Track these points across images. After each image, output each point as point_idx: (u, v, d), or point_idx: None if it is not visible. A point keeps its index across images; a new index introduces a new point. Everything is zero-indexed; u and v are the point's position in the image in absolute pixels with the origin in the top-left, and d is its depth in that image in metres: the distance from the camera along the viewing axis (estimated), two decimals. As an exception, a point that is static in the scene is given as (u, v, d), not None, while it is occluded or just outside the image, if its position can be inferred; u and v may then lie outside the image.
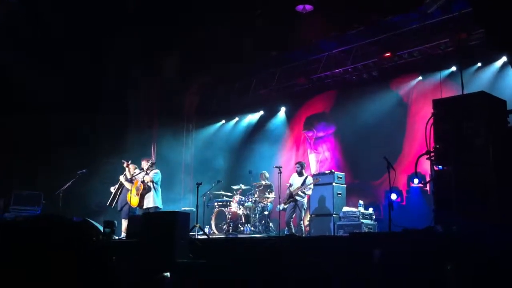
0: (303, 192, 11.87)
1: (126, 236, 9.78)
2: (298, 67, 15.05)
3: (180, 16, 12.83)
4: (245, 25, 13.03)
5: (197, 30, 13.25)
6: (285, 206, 12.04)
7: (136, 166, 11.69)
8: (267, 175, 13.81)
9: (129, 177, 11.51)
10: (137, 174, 11.43)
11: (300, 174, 12.14)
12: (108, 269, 1.20)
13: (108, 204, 11.61)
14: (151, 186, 11.34)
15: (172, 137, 16.22)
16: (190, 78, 16.22)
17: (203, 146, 17.12)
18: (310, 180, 12.01)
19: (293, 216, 11.88)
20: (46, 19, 11.99)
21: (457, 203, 5.62)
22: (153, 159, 13.71)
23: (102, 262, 1.20)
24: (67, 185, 11.43)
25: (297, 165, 12.34)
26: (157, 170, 11.64)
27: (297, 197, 11.84)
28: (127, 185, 11.45)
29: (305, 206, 11.99)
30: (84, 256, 1.18)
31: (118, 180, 11.74)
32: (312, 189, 12.03)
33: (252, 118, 16.99)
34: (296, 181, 12.11)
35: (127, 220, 10.96)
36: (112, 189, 11.71)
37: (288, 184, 12.24)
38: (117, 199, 11.57)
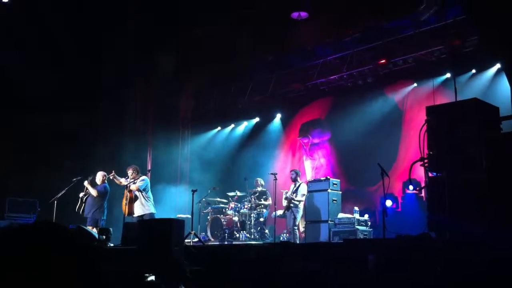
0: (297, 201, 11.96)
1: (122, 243, 9.76)
2: (293, 73, 15.07)
3: (176, 19, 12.86)
4: (241, 29, 13.06)
5: (193, 34, 13.30)
6: (282, 214, 12.14)
7: (114, 175, 11.60)
8: (262, 182, 13.80)
9: (124, 183, 11.50)
10: (127, 183, 11.41)
11: (294, 181, 12.22)
12: (103, 276, 1.20)
13: (76, 210, 11.44)
14: (138, 194, 11.33)
15: (167, 143, 16.22)
16: (186, 82, 16.25)
17: (199, 152, 17.10)
18: (302, 187, 12.11)
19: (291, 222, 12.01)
20: (44, 20, 11.98)
21: (451, 209, 5.64)
22: (148, 166, 13.73)
23: (98, 269, 1.21)
24: (62, 192, 11.37)
25: (292, 173, 12.44)
26: (143, 177, 11.60)
27: (291, 205, 11.93)
28: (92, 191, 11.41)
29: (301, 212, 12.04)
30: (81, 263, 1.18)
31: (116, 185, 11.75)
32: (306, 196, 12.10)
33: (248, 124, 17.00)
34: (290, 189, 12.25)
35: (93, 228, 10.96)
36: (81, 195, 11.57)
37: (284, 192, 12.35)
38: (84, 205, 11.50)
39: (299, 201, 12.00)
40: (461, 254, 5.08)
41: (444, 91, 12.15)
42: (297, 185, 12.13)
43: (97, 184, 11.58)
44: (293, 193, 11.98)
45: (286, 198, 12.13)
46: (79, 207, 11.38)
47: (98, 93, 14.38)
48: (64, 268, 1.20)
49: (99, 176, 11.61)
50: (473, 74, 12.12)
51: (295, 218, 11.88)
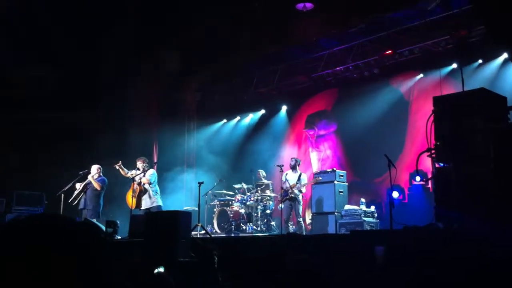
0: (300, 190, 11.92)
1: (128, 236, 9.80)
2: (298, 65, 15.04)
3: (179, 11, 12.80)
4: (245, 21, 13.00)
5: (196, 27, 13.25)
6: (279, 205, 12.13)
7: (121, 165, 11.58)
8: (263, 173, 13.79)
9: (129, 176, 11.50)
10: (134, 176, 11.41)
11: (293, 169, 12.16)
12: (107, 272, 1.20)
13: (70, 200, 11.36)
14: (146, 187, 11.36)
15: (173, 136, 16.22)
16: (190, 75, 16.22)
17: (205, 145, 17.12)
18: (304, 176, 12.09)
19: (292, 214, 11.96)
20: (43, 16, 11.94)
21: (458, 200, 5.62)
22: (155, 159, 13.75)
23: (100, 266, 1.20)
24: (69, 185, 11.40)
25: (292, 160, 12.39)
26: (152, 170, 11.67)
27: (293, 195, 11.88)
28: (96, 185, 11.43)
29: (301, 202, 12.03)
30: (84, 256, 1.17)
31: (122, 178, 11.75)
32: (313, 187, 12.10)
33: (253, 116, 16.99)
34: (290, 177, 12.12)
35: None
36: (78, 186, 11.51)
37: (282, 181, 12.26)
38: (81, 197, 11.52)
39: (302, 191, 12.02)
40: (468, 245, 5.07)
41: (451, 82, 12.09)
42: (298, 174, 12.11)
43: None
44: (297, 183, 11.93)
45: (286, 188, 12.00)
46: (74, 199, 11.38)
47: (102, 89, 14.39)
48: (63, 266, 1.20)
49: (95, 170, 11.61)
50: (480, 64, 12.06)
51: (298, 208, 11.90)
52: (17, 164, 13.10)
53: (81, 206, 11.43)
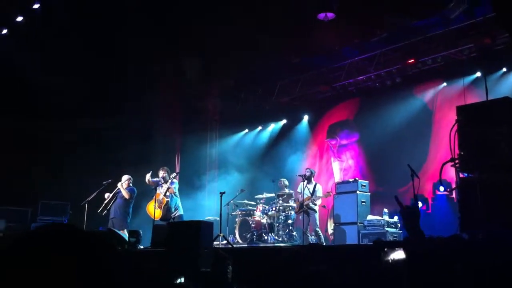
0: (314, 203, 11.88)
1: (151, 245, 9.85)
2: (320, 75, 15.02)
3: (201, 21, 12.89)
4: (267, 31, 13.04)
5: (218, 35, 13.33)
6: (300, 216, 12.11)
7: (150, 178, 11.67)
8: (286, 182, 13.73)
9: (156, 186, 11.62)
10: (159, 185, 11.51)
11: (309, 180, 12.10)
12: (110, 276, 1.22)
13: (100, 210, 11.45)
14: (173, 197, 11.47)
15: (196, 145, 16.31)
16: (212, 84, 16.31)
17: (227, 155, 17.17)
18: (319, 188, 12.04)
19: (309, 224, 11.93)
20: (65, 21, 12.09)
21: (483, 210, 5.53)
22: (177, 168, 13.84)
23: (102, 269, 1.22)
24: (93, 195, 11.51)
25: (307, 171, 12.33)
26: (175, 180, 11.81)
27: (308, 208, 11.86)
28: (125, 193, 11.51)
29: (317, 212, 12.01)
30: (82, 263, 1.20)
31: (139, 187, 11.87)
32: (335, 197, 12.06)
33: (275, 126, 17.00)
34: (306, 189, 12.11)
35: (123, 230, 11.03)
36: (107, 196, 11.62)
37: (298, 192, 12.27)
38: (111, 206, 11.59)
39: (317, 204, 12.00)
40: (493, 256, 4.98)
41: (475, 90, 11.95)
42: (312, 185, 12.06)
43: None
44: (312, 195, 11.88)
45: (302, 201, 11.98)
46: (104, 208, 11.49)
47: (126, 97, 14.53)
48: (63, 266, 1.22)
49: (125, 179, 11.73)
50: (504, 73, 11.91)
51: (315, 219, 11.88)
52: (42, 174, 13.26)
53: (111, 215, 11.53)
